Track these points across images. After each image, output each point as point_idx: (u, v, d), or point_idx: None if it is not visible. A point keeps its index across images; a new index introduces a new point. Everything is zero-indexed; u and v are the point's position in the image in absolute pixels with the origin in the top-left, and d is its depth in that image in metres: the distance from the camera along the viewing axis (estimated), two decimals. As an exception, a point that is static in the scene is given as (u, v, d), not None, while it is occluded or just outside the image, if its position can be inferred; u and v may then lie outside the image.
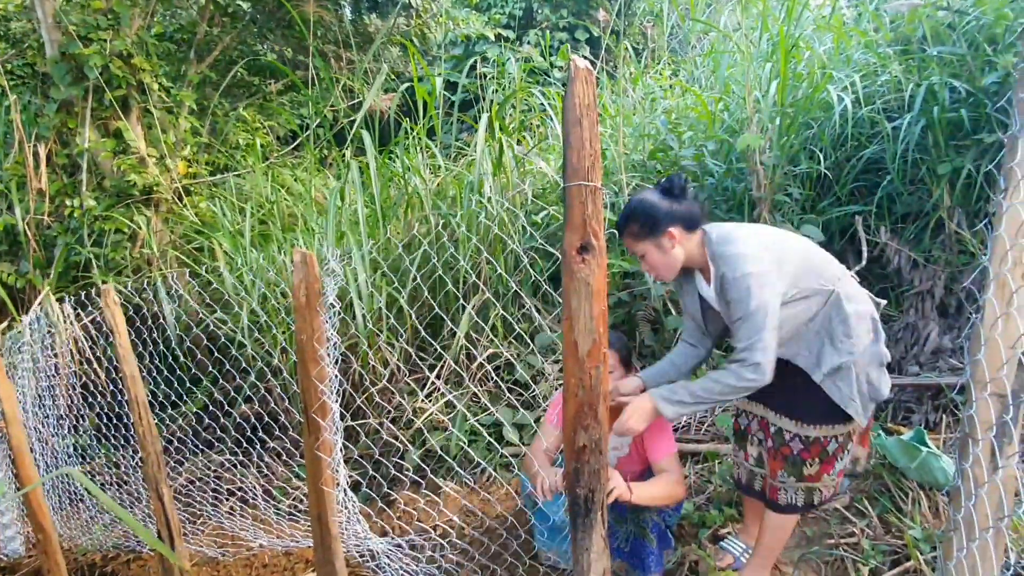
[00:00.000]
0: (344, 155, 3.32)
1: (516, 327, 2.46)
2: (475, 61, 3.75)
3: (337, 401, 1.62)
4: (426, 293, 2.15)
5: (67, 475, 3.59)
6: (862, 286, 1.62)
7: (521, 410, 2.13)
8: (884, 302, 1.64)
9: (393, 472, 1.72)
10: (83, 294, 4.14)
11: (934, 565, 1.73)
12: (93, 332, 3.87)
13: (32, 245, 4.32)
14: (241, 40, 6.56)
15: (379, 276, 2.85)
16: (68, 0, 4.26)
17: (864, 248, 2.89)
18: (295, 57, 6.97)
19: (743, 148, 2.88)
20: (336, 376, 1.63)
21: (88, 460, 3.79)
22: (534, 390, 2.62)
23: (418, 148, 3.50)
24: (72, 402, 3.60)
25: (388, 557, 1.94)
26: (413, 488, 2.58)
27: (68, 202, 4.36)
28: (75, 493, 3.55)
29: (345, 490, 1.71)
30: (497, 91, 4.08)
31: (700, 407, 1.50)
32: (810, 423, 1.55)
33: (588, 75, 1.07)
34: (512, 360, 2.60)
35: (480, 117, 3.07)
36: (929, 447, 1.98)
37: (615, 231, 1.57)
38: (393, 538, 1.99)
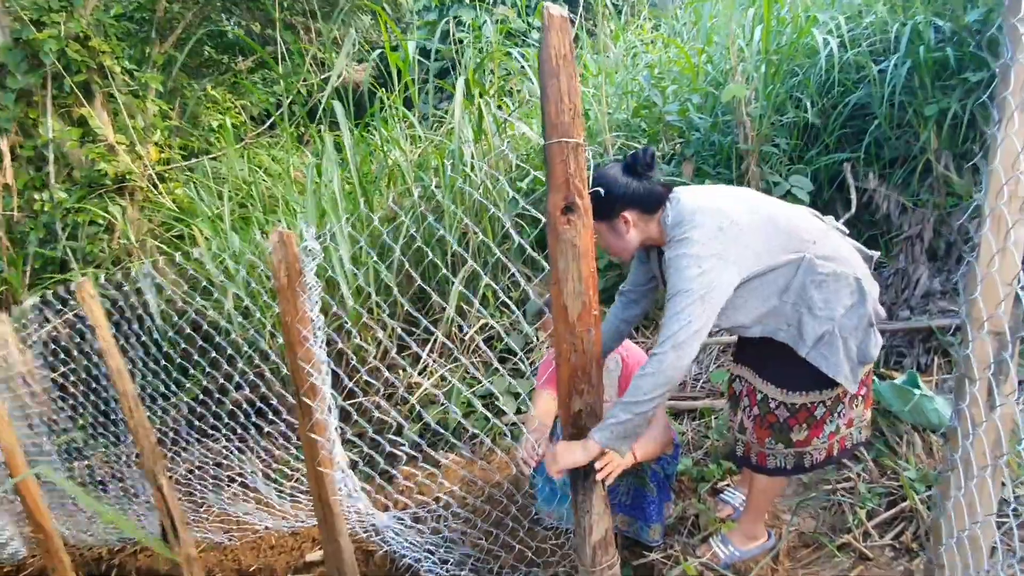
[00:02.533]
0: (320, 131, 3.21)
1: (504, 296, 2.42)
2: (443, 24, 3.58)
3: (328, 381, 1.59)
4: (408, 267, 2.08)
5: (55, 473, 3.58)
6: (852, 236, 1.57)
7: (509, 378, 2.11)
8: (877, 254, 1.57)
9: (390, 449, 1.70)
10: (63, 288, 4.05)
11: (929, 504, 1.76)
12: (81, 327, 3.80)
13: (4, 243, 4.19)
14: (204, 16, 6.28)
15: (363, 253, 2.79)
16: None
17: (853, 195, 2.86)
18: (263, 31, 6.72)
19: (728, 100, 2.81)
20: (325, 357, 1.59)
21: (87, 456, 3.77)
22: (527, 358, 2.60)
23: (396, 119, 3.40)
24: (63, 401, 3.55)
25: (392, 531, 1.94)
26: (411, 463, 2.59)
27: (37, 196, 4.22)
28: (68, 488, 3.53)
29: (343, 468, 1.70)
30: (474, 56, 3.95)
31: (639, 416, 1.28)
32: (796, 390, 1.51)
33: (563, 24, 1.00)
34: (503, 330, 2.57)
35: (467, 82, 2.97)
36: (922, 389, 2.00)
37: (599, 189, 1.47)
38: (395, 512, 1.99)
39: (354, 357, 2.81)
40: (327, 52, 6.38)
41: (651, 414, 1.30)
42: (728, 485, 2.05)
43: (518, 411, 2.59)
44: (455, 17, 7.74)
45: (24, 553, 3.50)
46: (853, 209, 2.79)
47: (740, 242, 1.35)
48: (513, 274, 2.94)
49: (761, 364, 1.57)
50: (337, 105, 2.52)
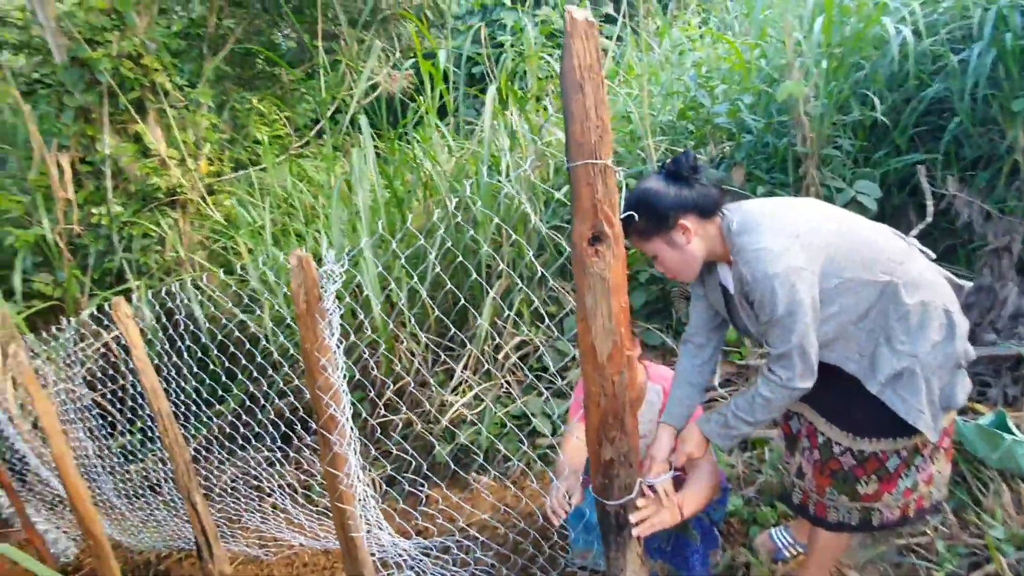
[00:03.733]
0: (347, 142, 3.18)
1: (541, 311, 2.29)
2: (479, 29, 3.49)
3: (348, 413, 1.51)
4: (439, 280, 2.00)
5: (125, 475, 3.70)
6: (927, 247, 1.35)
7: (543, 396, 1.99)
8: (968, 284, 1.35)
9: (422, 468, 1.61)
10: (112, 300, 4.20)
11: (1020, 570, 1.52)
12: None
13: (66, 255, 4.40)
14: (254, 30, 6.47)
15: (397, 266, 2.73)
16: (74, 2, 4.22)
17: (929, 202, 2.58)
18: (311, 42, 6.85)
19: (784, 98, 2.58)
20: (344, 386, 1.52)
21: (141, 459, 3.89)
22: (563, 376, 2.47)
23: (433, 127, 3.33)
24: (121, 405, 3.68)
25: (418, 565, 1.85)
26: (445, 483, 2.50)
27: (95, 210, 4.41)
28: (126, 495, 3.65)
29: (363, 502, 1.62)
30: (514, 60, 3.85)
31: (747, 430, 1.33)
32: (865, 436, 1.31)
33: (589, 29, 0.87)
34: (540, 346, 2.45)
35: (499, 89, 2.87)
36: (1014, 433, 1.73)
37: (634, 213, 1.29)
38: (420, 541, 1.91)
39: (391, 370, 2.76)
40: (370, 61, 6.44)
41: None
42: (781, 525, 1.85)
43: (553, 433, 2.46)
44: (496, 20, 7.68)
45: (75, 551, 3.65)
46: (929, 217, 2.51)
47: (819, 248, 1.20)
48: (551, 288, 2.82)
49: (824, 400, 1.37)
50: (362, 118, 2.47)
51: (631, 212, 1.23)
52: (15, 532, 4.11)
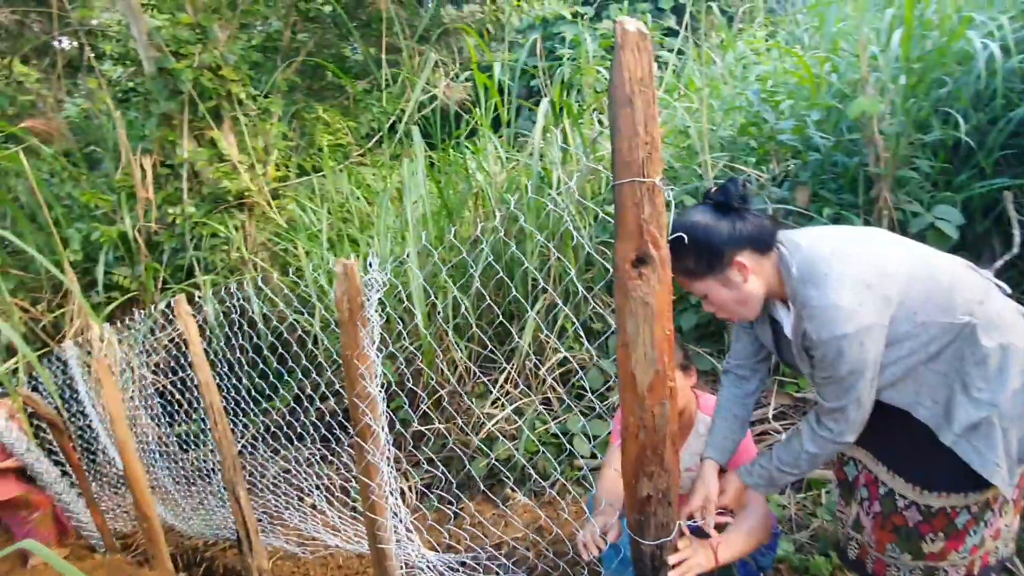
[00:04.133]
0: (414, 151, 3.24)
1: (586, 328, 2.24)
2: (535, 42, 3.49)
3: (383, 424, 1.51)
4: (485, 292, 2.00)
5: (179, 462, 3.89)
6: (1012, 281, 1.22)
7: (579, 417, 1.93)
8: None
9: (452, 486, 1.59)
10: (195, 294, 4.47)
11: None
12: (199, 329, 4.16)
13: (143, 251, 4.72)
14: (324, 43, 6.77)
15: (443, 276, 2.75)
16: (162, 14, 4.55)
17: (1016, 231, 2.35)
18: (377, 55, 7.11)
19: (857, 115, 2.43)
20: (382, 396, 1.52)
21: (199, 447, 4.09)
22: (606, 396, 2.39)
23: (487, 139, 3.36)
24: (181, 396, 3.87)
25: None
26: (481, 498, 2.47)
27: (171, 209, 4.70)
28: (182, 480, 3.84)
29: (396, 512, 1.61)
30: (572, 73, 3.83)
31: (788, 479, 1.28)
32: (934, 489, 1.18)
33: (641, 41, 0.84)
34: (579, 364, 2.39)
35: (552, 102, 2.85)
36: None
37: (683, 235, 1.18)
38: (450, 556, 1.88)
39: (432, 380, 2.78)
40: (433, 74, 6.60)
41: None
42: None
43: (592, 456, 2.39)
44: (556, 34, 7.71)
45: (131, 528, 3.86)
46: (1016, 248, 2.28)
47: (893, 296, 1.08)
48: (597, 304, 2.75)
49: (887, 447, 1.25)
50: (414, 129, 2.52)
51: (680, 234, 1.12)
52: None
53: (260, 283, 3.81)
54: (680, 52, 4.96)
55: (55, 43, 5.92)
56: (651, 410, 0.97)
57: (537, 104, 2.90)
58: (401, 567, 1.79)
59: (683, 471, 1.60)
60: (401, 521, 1.64)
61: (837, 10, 3.33)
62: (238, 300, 3.39)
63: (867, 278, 1.07)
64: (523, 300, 2.68)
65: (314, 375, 2.63)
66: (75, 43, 6.16)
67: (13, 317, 4.16)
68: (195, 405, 3.80)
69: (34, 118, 5.25)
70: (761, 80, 3.45)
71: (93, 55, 5.63)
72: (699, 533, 1.55)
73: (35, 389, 4.05)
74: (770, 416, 2.35)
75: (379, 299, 1.54)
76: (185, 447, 4.05)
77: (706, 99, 3.06)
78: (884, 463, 1.25)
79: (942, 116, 2.63)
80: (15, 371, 4.04)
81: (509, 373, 2.61)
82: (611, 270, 1.03)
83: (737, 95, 3.42)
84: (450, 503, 2.21)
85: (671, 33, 6.25)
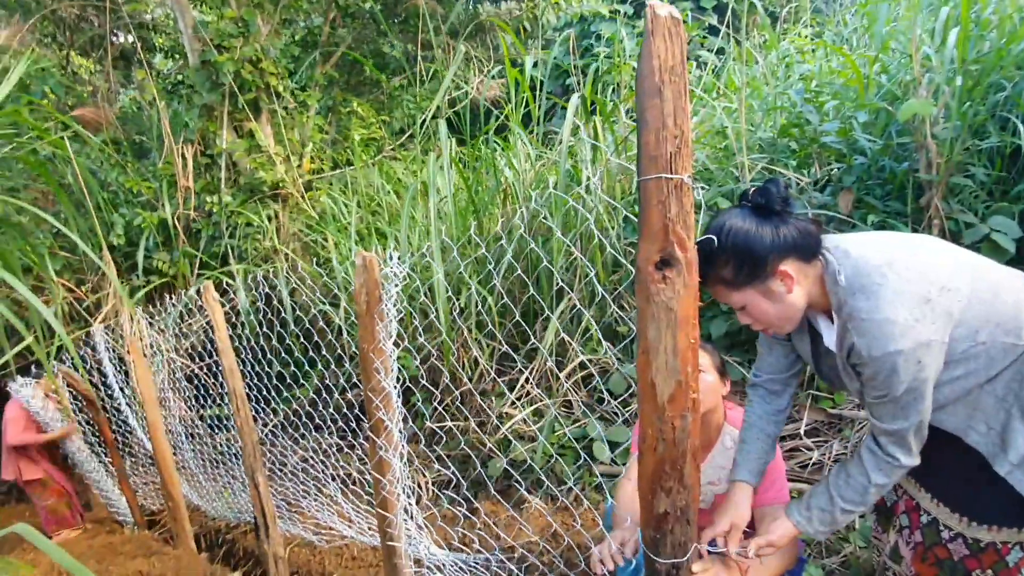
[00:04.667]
0: (445, 146, 3.23)
1: (610, 330, 2.18)
2: (574, 39, 3.43)
3: (396, 419, 1.49)
4: (506, 292, 1.97)
5: (213, 445, 3.98)
6: None
7: (601, 422, 1.87)
8: None
9: (462, 487, 1.56)
10: (224, 282, 4.57)
11: None
12: (231, 315, 4.27)
13: (182, 237, 4.86)
14: (363, 39, 6.85)
15: (468, 272, 2.73)
16: (209, 9, 4.67)
17: (1085, 244, 2.18)
18: (414, 51, 7.16)
19: (908, 118, 2.29)
20: (397, 389, 1.50)
21: (229, 429, 4.19)
22: (630, 405, 2.33)
23: (516, 135, 3.32)
24: (214, 380, 3.97)
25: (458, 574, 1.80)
26: (496, 499, 2.44)
27: (209, 198, 4.83)
28: (209, 462, 3.93)
29: (407, 508, 1.59)
30: (607, 70, 3.76)
31: (851, 518, 1.13)
32: (984, 522, 1.09)
33: (674, 28, 0.78)
34: (602, 368, 2.33)
35: (583, 98, 2.79)
36: None
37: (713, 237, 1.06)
38: (462, 555, 1.85)
39: (454, 375, 2.76)
40: (469, 69, 6.61)
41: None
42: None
43: (612, 462, 2.32)
44: (594, 31, 7.61)
45: (159, 505, 3.98)
46: (1084, 263, 2.11)
47: (953, 312, 0.98)
48: (623, 306, 2.69)
49: (933, 474, 1.15)
50: (441, 124, 2.50)
51: (711, 237, 1.04)
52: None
53: (290, 273, 3.87)
54: (720, 51, 4.82)
55: (111, 36, 6.15)
56: (671, 422, 0.92)
57: (556, 102, 2.84)
58: (411, 563, 1.77)
59: (705, 484, 1.53)
60: (412, 518, 1.62)
61: (888, 10, 3.17)
62: (267, 289, 3.45)
63: (926, 292, 0.97)
64: (543, 300, 2.63)
65: (334, 366, 2.64)
66: (130, 36, 6.40)
67: (58, 296, 4.33)
68: (223, 390, 3.89)
69: (85, 107, 5.46)
70: (805, 80, 3.31)
71: (145, 48, 5.82)
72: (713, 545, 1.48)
73: (75, 368, 4.22)
74: (802, 432, 2.24)
75: (399, 293, 1.51)
76: (213, 430, 4.15)
77: (745, 98, 2.95)
78: (928, 490, 1.17)
79: (1000, 121, 2.46)
80: (59, 349, 4.21)
81: (529, 374, 2.57)
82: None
83: (779, 95, 3.29)
84: (460, 504, 2.19)
85: (713, 31, 6.09)
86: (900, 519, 1.23)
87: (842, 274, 1.01)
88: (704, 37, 5.95)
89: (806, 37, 4.28)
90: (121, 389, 3.90)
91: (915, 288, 0.97)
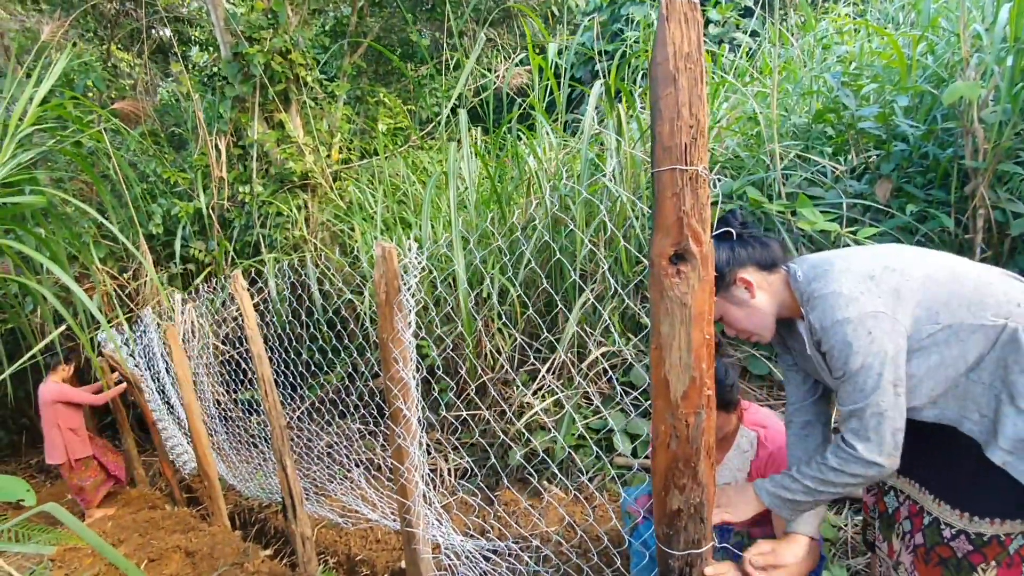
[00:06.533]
0: (470, 135, 3.22)
1: (633, 321, 2.15)
2: (603, 24, 3.35)
3: (416, 406, 1.51)
4: (511, 285, 1.95)
5: (245, 429, 4.12)
6: None
7: (622, 413, 1.85)
8: None
9: (491, 467, 1.57)
10: (253, 270, 4.70)
11: None
12: (262, 303, 4.39)
13: (216, 226, 5.00)
14: (391, 28, 6.87)
15: (492, 262, 2.72)
16: (241, 1, 4.75)
17: None
18: (441, 39, 7.15)
19: (953, 101, 2.17)
20: (416, 379, 1.51)
21: (260, 413, 4.32)
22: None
23: (540, 124, 3.28)
24: (247, 365, 4.10)
25: (476, 565, 1.82)
26: (517, 487, 2.46)
27: (242, 188, 4.94)
28: (243, 444, 4.07)
29: (425, 494, 1.61)
30: (637, 56, 3.67)
31: (812, 503, 1.16)
32: (986, 515, 1.07)
33: (690, 12, 0.75)
34: (628, 359, 2.30)
35: (607, 86, 2.73)
36: None
37: (743, 224, 1.21)
38: (481, 541, 1.88)
39: (477, 365, 2.77)
40: (495, 57, 6.57)
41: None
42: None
43: (634, 454, 2.31)
44: (623, 16, 7.44)
45: (194, 466, 4.14)
46: None
47: (903, 293, 1.04)
48: (645, 297, 2.64)
49: (932, 473, 1.15)
50: (462, 113, 2.48)
51: (731, 210, 1.17)
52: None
53: (318, 262, 3.94)
54: (755, 33, 4.65)
55: (150, 30, 6.32)
56: (685, 419, 0.90)
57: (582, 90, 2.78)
58: (430, 549, 1.80)
59: (722, 485, 1.50)
60: (431, 504, 1.64)
61: (938, -16, 3.00)
62: (298, 277, 3.53)
63: (869, 270, 1.06)
64: (564, 290, 2.61)
65: (356, 355, 2.68)
66: (168, 30, 6.57)
67: (102, 284, 4.52)
68: (255, 375, 4.02)
69: (125, 100, 5.64)
70: (843, 62, 3.16)
71: (182, 41, 5.96)
72: (739, 548, 1.46)
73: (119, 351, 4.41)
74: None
75: (418, 284, 1.52)
76: (246, 414, 4.29)
77: (779, 83, 2.84)
78: (931, 492, 1.15)
79: (1058, 103, 2.31)
80: (98, 331, 4.39)
81: (551, 364, 2.56)
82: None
83: (815, 78, 3.16)
84: (476, 494, 2.20)
85: (747, 13, 5.88)
86: (903, 524, 1.21)
87: (800, 271, 1.14)
88: (739, 18, 5.75)
89: (847, 16, 4.08)
90: (167, 370, 4.05)
91: (860, 267, 1.07)
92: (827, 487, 1.10)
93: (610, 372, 2.46)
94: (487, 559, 1.83)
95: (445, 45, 4.95)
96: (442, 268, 2.49)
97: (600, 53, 3.35)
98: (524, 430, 2.34)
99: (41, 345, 1.58)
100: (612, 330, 2.34)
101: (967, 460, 1.07)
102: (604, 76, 2.85)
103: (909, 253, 1.12)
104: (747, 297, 1.17)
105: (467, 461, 2.44)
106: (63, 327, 1.75)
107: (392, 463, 1.56)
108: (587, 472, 2.09)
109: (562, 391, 2.51)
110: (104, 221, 2.35)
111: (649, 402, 2.38)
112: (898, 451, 1.04)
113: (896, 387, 1.02)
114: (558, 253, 2.55)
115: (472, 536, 2.01)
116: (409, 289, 1.47)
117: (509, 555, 1.81)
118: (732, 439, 1.47)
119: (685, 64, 0.76)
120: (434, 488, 1.84)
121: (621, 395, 2.22)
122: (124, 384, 4.12)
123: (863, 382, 1.02)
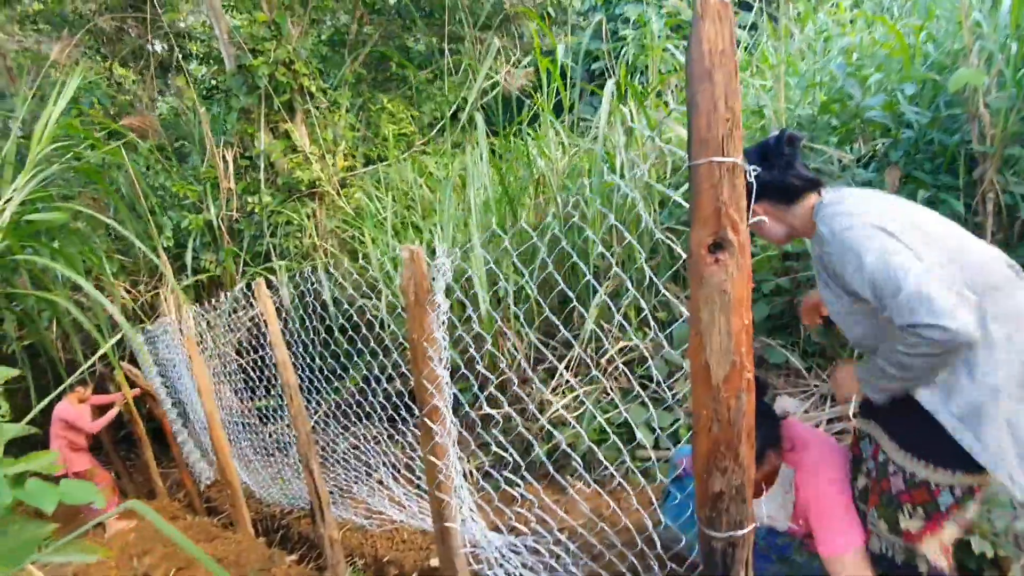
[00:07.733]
0: (475, 138, 3.26)
1: (650, 317, 2.18)
2: (598, 24, 3.40)
3: (449, 405, 1.54)
4: (537, 283, 1.99)
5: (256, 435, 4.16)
6: None
7: (643, 407, 1.88)
8: None
9: (515, 464, 1.61)
10: (271, 279, 4.74)
11: None
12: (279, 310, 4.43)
13: (226, 237, 5.05)
14: (389, 35, 6.92)
15: (506, 263, 2.76)
16: (240, 14, 4.80)
17: None
18: (440, 44, 7.20)
19: (958, 88, 2.20)
20: (447, 378, 1.55)
21: (277, 421, 4.36)
22: (671, 388, 2.33)
23: (548, 124, 3.32)
24: (261, 373, 4.14)
25: (507, 562, 1.86)
26: (546, 483, 2.49)
27: (250, 198, 4.99)
28: (262, 450, 4.10)
29: (460, 495, 1.65)
30: (636, 54, 3.71)
31: (903, 383, 1.15)
32: (923, 458, 1.14)
33: (723, 10, 0.79)
34: (646, 354, 2.34)
35: (617, 84, 2.77)
36: None
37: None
38: (513, 538, 1.91)
39: (494, 362, 2.81)
40: (495, 61, 6.61)
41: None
42: None
43: (655, 446, 2.34)
44: (619, 15, 7.49)
45: (214, 476, 4.18)
46: None
47: (913, 244, 1.09)
48: (662, 293, 2.68)
49: (893, 420, 1.23)
50: (478, 115, 2.52)
51: (783, 130, 1.28)
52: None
53: (331, 268, 3.98)
54: (753, 27, 4.69)
55: (148, 46, 6.38)
56: (726, 403, 0.93)
57: (601, 88, 2.83)
58: (465, 545, 1.83)
59: (766, 518, 1.50)
60: (463, 502, 1.67)
61: (935, -27, 3.03)
62: (309, 284, 3.57)
63: (881, 222, 1.11)
64: (580, 288, 2.65)
65: (381, 357, 2.72)
66: (166, 45, 6.63)
67: (118, 297, 4.56)
68: (273, 382, 4.06)
69: (131, 116, 5.69)
70: (846, 53, 3.20)
71: (181, 56, 6.02)
72: (786, 549, 1.50)
73: (132, 362, 4.45)
74: (850, 413, 2.21)
75: (448, 283, 1.56)
76: (263, 421, 4.33)
77: (782, 76, 2.88)
78: (887, 433, 1.24)
79: (1061, 87, 2.34)
80: (119, 343, 4.44)
81: (570, 361, 2.60)
82: (676, 258, 1.03)
83: (818, 70, 3.19)
84: (517, 484, 2.24)
85: (745, 7, 5.92)
86: (868, 463, 1.31)
87: (825, 199, 1.24)
88: (736, 12, 5.77)
89: (844, 8, 4.12)
90: (182, 377, 4.09)
91: (876, 205, 1.16)
92: (906, 371, 1.10)
93: (622, 368, 2.50)
94: (517, 552, 1.86)
95: (446, 50, 5.00)
96: (460, 269, 2.53)
97: (606, 52, 3.37)
98: (548, 425, 2.38)
99: (76, 376, 1.62)
100: (637, 323, 2.37)
101: (921, 410, 1.14)
102: (607, 75, 2.89)
103: (934, 216, 1.19)
104: (759, 223, 1.30)
105: (490, 459, 2.47)
106: (92, 361, 1.79)
107: (427, 460, 1.59)
108: (612, 464, 2.12)
109: (580, 387, 2.54)
110: (125, 232, 2.39)
111: (673, 393, 2.40)
112: (962, 309, 1.01)
113: (916, 262, 1.05)
114: (572, 252, 2.59)
115: (503, 532, 2.04)
116: (440, 289, 1.51)
117: (543, 548, 1.85)
118: (776, 475, 1.46)
119: (720, 60, 0.79)
120: (466, 484, 1.87)
121: (648, 386, 2.25)
122: (115, 410, 4.14)
123: (883, 269, 1.06)
